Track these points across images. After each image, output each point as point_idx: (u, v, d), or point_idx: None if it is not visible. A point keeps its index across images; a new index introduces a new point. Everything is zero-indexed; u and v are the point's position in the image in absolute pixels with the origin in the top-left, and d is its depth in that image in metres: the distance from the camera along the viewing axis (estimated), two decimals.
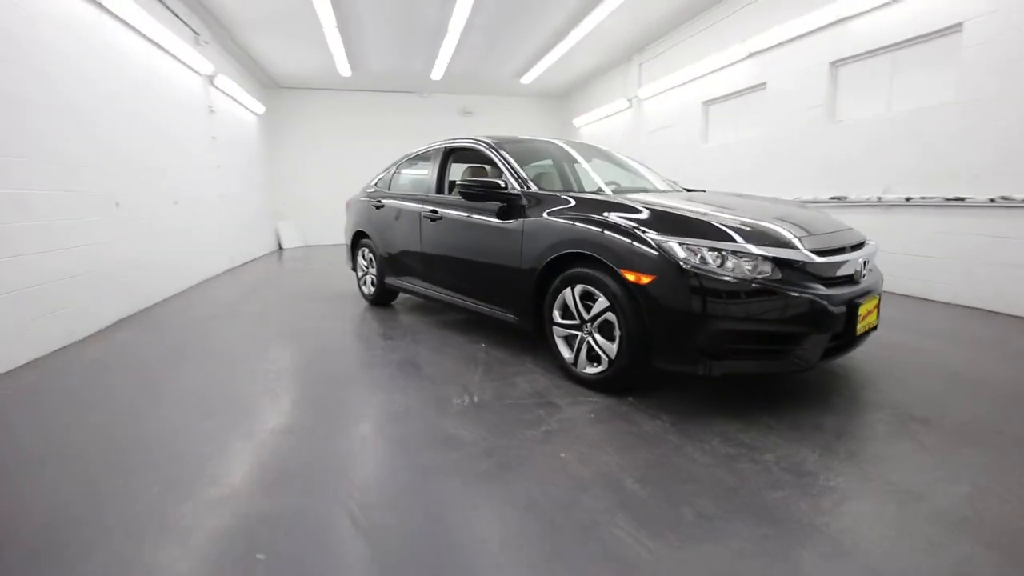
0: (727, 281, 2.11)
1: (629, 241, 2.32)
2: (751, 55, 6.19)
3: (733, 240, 2.19)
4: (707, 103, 7.20)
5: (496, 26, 7.48)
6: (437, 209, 3.65)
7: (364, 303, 4.88)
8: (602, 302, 2.43)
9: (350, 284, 5.89)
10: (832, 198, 5.17)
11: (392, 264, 4.34)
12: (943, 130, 4.22)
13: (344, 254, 5.40)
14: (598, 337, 2.49)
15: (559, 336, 2.73)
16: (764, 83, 6.09)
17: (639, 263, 2.26)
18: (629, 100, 9.25)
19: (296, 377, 2.96)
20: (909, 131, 4.48)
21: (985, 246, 3.97)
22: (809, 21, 5.31)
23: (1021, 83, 3.70)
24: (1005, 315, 3.85)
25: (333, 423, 2.29)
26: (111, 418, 2.40)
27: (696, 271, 2.14)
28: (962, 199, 4.06)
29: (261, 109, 9.72)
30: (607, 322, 2.44)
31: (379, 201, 4.49)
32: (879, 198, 4.72)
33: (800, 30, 5.44)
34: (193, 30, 6.43)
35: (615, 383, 2.47)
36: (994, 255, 3.91)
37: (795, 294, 2.12)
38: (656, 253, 2.22)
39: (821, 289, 2.19)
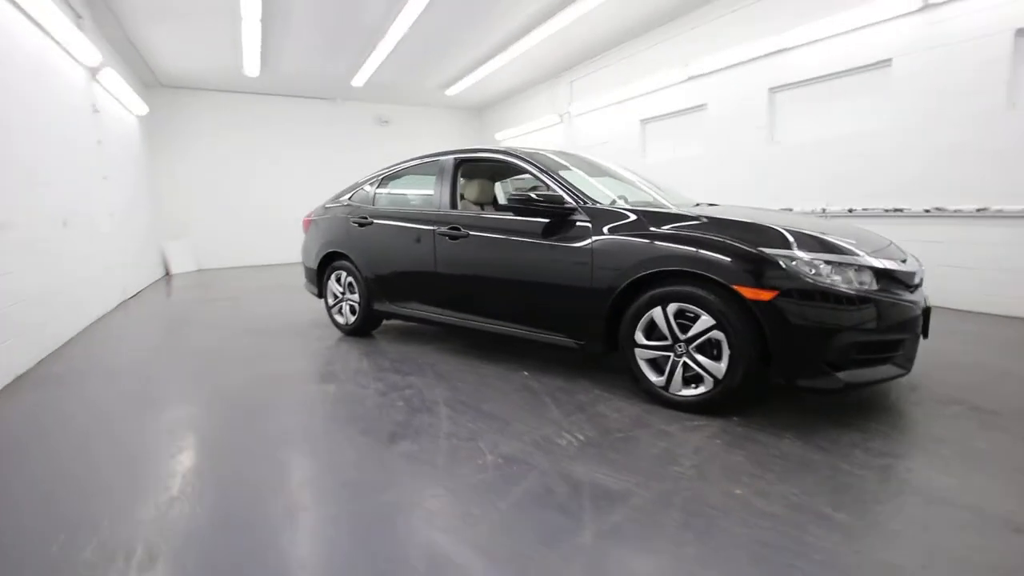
0: (848, 292, 2.14)
1: (743, 257, 2.26)
2: (691, 78, 6.65)
3: (845, 252, 2.23)
4: (645, 121, 7.59)
5: (439, 36, 7.19)
6: (460, 226, 3.30)
7: (334, 334, 4.26)
8: (705, 320, 2.33)
9: (302, 314, 5.15)
10: (779, 210, 5.70)
11: (385, 288, 3.85)
12: (878, 151, 4.86)
13: (296, 280, 4.71)
14: (699, 357, 2.39)
15: (643, 359, 2.57)
16: (704, 104, 6.57)
17: (758, 279, 2.20)
18: (560, 116, 9.45)
19: (329, 466, 2.43)
20: (849, 151, 5.10)
21: (920, 250, 4.61)
22: (749, 50, 5.84)
23: (942, 111, 4.40)
24: (942, 308, 4.51)
25: (446, 508, 1.88)
26: None
27: (821, 284, 2.14)
28: (900, 210, 4.71)
29: (144, 110, 8.23)
30: (709, 341, 2.35)
31: (364, 218, 3.96)
32: (823, 210, 5.30)
33: (740, 58, 5.96)
34: (75, 11, 5.22)
35: (720, 404, 2.38)
36: (929, 257, 4.56)
37: (898, 301, 2.22)
38: (780, 268, 2.18)
39: (910, 295, 2.33)
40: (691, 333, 2.39)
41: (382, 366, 3.38)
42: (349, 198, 4.30)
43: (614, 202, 2.92)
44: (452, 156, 3.59)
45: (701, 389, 2.41)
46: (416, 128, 11.80)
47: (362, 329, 4.13)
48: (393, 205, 3.99)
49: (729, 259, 2.28)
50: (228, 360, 3.62)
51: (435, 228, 3.43)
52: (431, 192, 3.64)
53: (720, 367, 2.32)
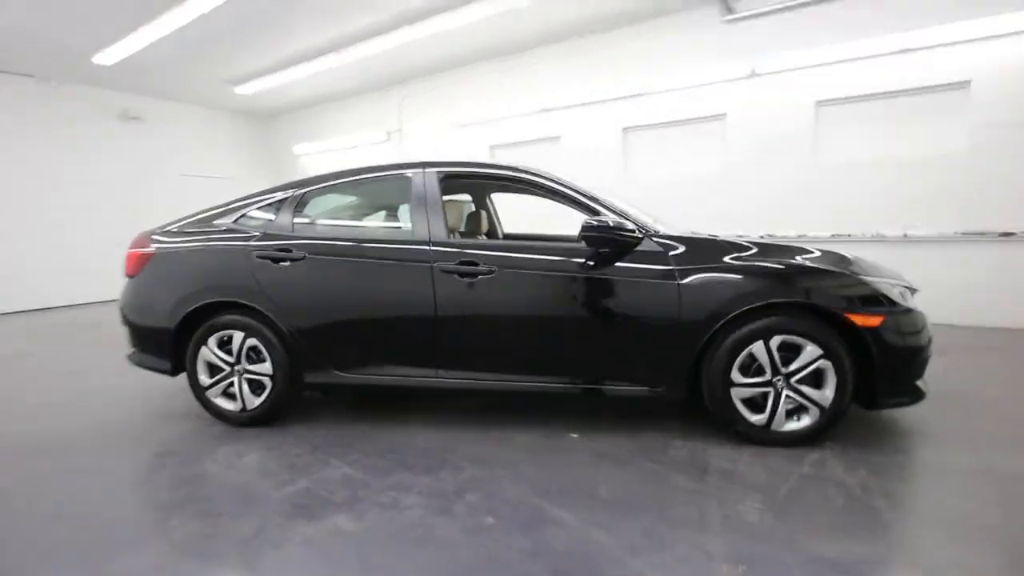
0: (921, 314, 2.38)
1: (852, 285, 2.29)
2: (544, 110, 6.89)
3: (902, 278, 2.48)
4: (494, 147, 7.53)
5: (247, 17, 5.68)
6: (477, 261, 2.51)
7: (209, 434, 2.76)
8: (812, 351, 2.28)
9: (127, 392, 3.26)
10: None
11: (331, 351, 2.69)
12: (714, 188, 5.86)
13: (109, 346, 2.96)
14: (805, 388, 2.32)
15: (739, 398, 2.37)
16: (558, 136, 6.88)
17: (867, 306, 2.26)
18: (389, 133, 8.63)
19: None
20: (690, 187, 5.99)
21: None
22: (605, 91, 6.37)
23: (761, 156, 5.56)
24: None
25: None
26: None
27: (907, 307, 2.31)
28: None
29: None
30: (814, 371, 2.30)
31: (283, 250, 2.70)
32: None
33: (596, 97, 6.45)
34: None
35: (823, 433, 2.35)
36: None
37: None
38: (882, 294, 2.28)
39: None
40: (796, 365, 2.31)
41: (383, 469, 2.29)
42: (234, 221, 2.90)
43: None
44: (434, 170, 2.75)
45: (807, 421, 2.34)
46: (180, 132, 9.17)
47: (269, 414, 2.79)
48: (337, 233, 2.85)
49: (841, 288, 2.29)
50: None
51: (431, 264, 2.55)
52: (401, 217, 2.72)
53: (827, 395, 2.30)
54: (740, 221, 5.56)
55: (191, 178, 9.25)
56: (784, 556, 1.62)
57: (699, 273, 2.37)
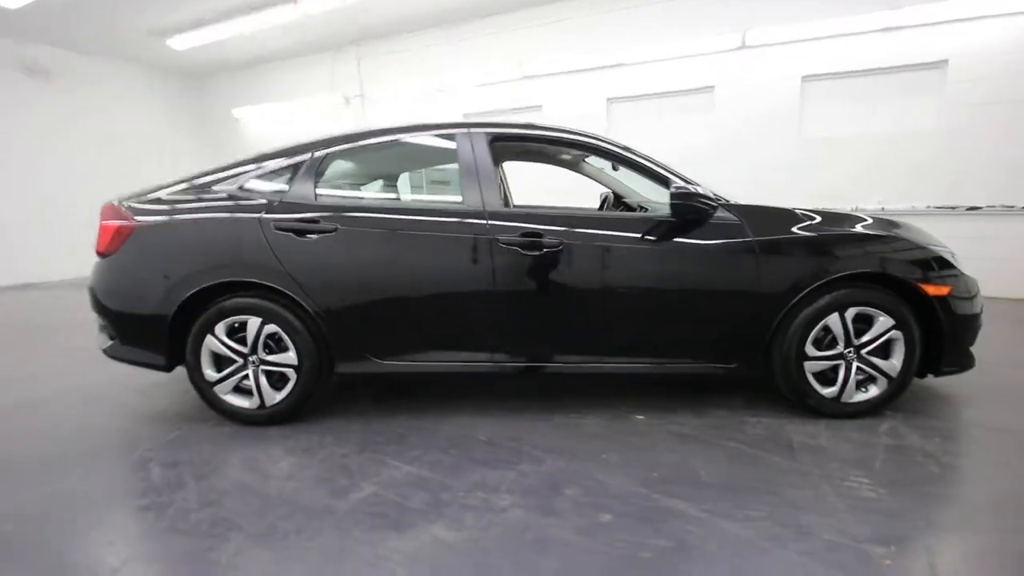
0: (974, 280, 2.42)
1: (924, 255, 2.29)
2: (526, 77, 6.58)
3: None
4: (469, 115, 7.12)
5: None
6: (542, 233, 2.27)
7: (214, 437, 2.38)
8: (884, 322, 2.26)
9: (98, 393, 2.75)
10: None
11: (371, 335, 2.37)
12: (701, 161, 5.87)
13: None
14: (876, 360, 2.31)
15: (812, 372, 2.33)
16: (540, 105, 6.62)
17: (939, 275, 2.26)
18: (347, 98, 7.95)
19: None
20: (682, 160, 5.95)
21: None
22: (587, 60, 6.16)
23: (748, 129, 5.61)
24: None
25: None
26: None
27: (965, 275, 2.35)
28: None
29: None
30: (884, 342, 2.30)
31: (310, 221, 2.31)
32: None
33: (578, 66, 6.23)
34: None
35: (888, 403, 2.37)
36: None
37: None
38: (949, 264, 2.29)
39: None
40: (869, 336, 2.29)
41: (453, 465, 2.03)
42: (239, 188, 2.45)
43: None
44: (481, 131, 2.45)
45: (874, 391, 2.34)
46: (98, 91, 7.96)
47: (292, 410, 2.44)
48: (373, 201, 2.50)
49: (912, 257, 2.28)
50: None
51: (490, 237, 2.28)
52: (444, 183, 2.42)
53: (895, 365, 2.31)
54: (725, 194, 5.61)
55: (114, 143, 8.09)
56: (924, 535, 1.58)
57: (776, 244, 2.28)
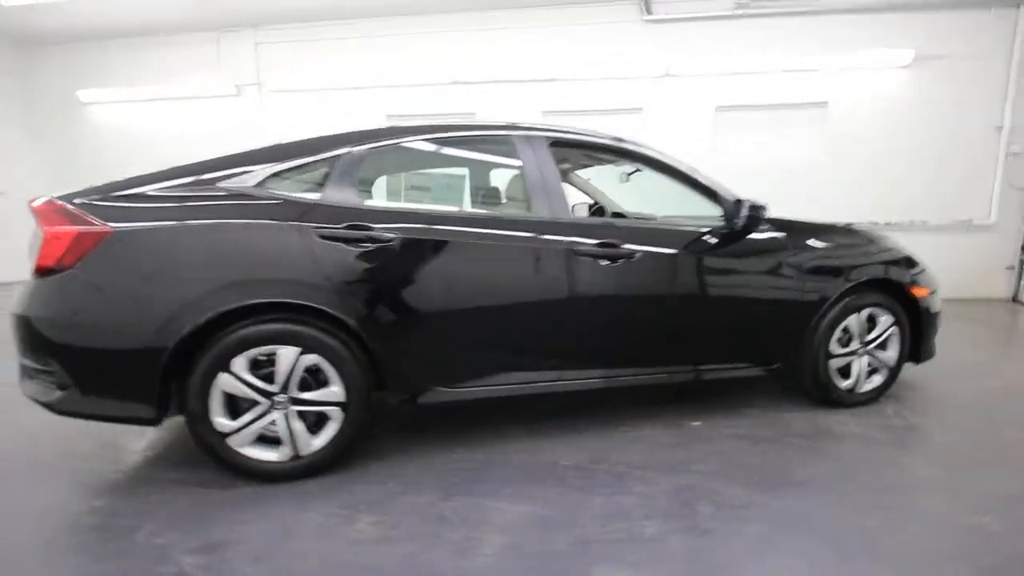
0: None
1: (912, 263, 2.69)
2: (456, 83, 6.38)
3: None
4: (392, 116, 6.67)
5: None
6: (617, 242, 2.17)
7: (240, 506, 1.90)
8: (886, 320, 2.63)
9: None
10: None
11: (435, 360, 2.06)
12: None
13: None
14: (878, 353, 2.66)
15: (834, 368, 2.60)
16: (474, 112, 6.47)
17: (920, 280, 2.68)
18: (239, 87, 6.90)
19: None
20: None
21: None
22: (522, 71, 6.20)
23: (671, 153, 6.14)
24: None
25: None
26: None
27: (931, 277, 2.83)
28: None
29: None
30: (883, 339, 2.66)
31: (361, 228, 1.92)
32: None
33: (513, 76, 6.24)
34: None
35: (887, 389, 2.74)
36: None
37: None
38: (922, 269, 2.73)
39: None
40: (875, 333, 2.64)
41: (563, 498, 1.82)
42: (256, 185, 1.94)
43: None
44: (541, 134, 2.29)
45: (877, 380, 2.70)
46: None
47: (333, 458, 2.00)
48: (430, 206, 2.19)
49: (909, 266, 2.68)
50: None
51: (565, 247, 2.12)
52: (501, 188, 2.22)
53: (892, 357, 2.69)
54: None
55: None
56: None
57: (813, 254, 2.51)
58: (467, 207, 2.41)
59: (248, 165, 1.98)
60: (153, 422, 1.85)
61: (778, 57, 5.69)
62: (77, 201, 1.84)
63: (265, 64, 6.84)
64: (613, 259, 2.19)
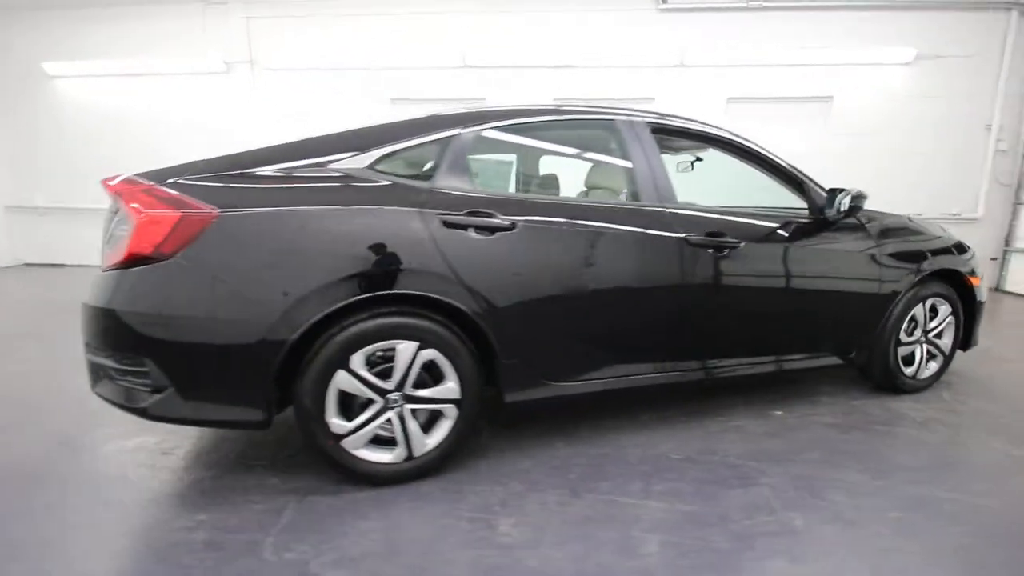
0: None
1: (962, 247, 2.81)
2: (467, 66, 6.19)
3: None
4: (396, 100, 6.42)
5: None
6: (725, 231, 2.15)
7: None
8: (946, 309, 2.73)
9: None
10: None
11: (548, 353, 1.97)
12: None
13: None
14: (937, 340, 2.76)
15: (901, 356, 2.68)
16: (484, 98, 6.29)
17: (974, 270, 2.79)
18: (229, 64, 6.45)
19: None
20: None
21: None
22: (536, 56, 6.08)
23: None
24: None
25: None
26: None
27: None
28: None
29: None
30: (942, 327, 2.77)
31: (482, 214, 1.81)
32: None
33: (526, 62, 6.11)
34: None
35: (943, 374, 2.85)
36: None
37: None
38: (972, 259, 2.84)
39: None
40: (936, 322, 2.73)
41: (713, 496, 1.79)
42: (370, 166, 1.80)
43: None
44: (643, 120, 2.23)
45: (934, 367, 2.80)
46: None
47: (444, 458, 1.89)
48: (544, 192, 2.09)
49: (962, 253, 2.78)
50: None
51: (679, 236, 2.08)
52: (615, 175, 2.15)
53: (947, 344, 2.80)
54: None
55: None
56: None
57: (893, 247, 2.56)
58: (577, 194, 2.32)
59: (358, 145, 1.83)
60: (262, 425, 1.69)
61: (787, 51, 5.80)
62: (171, 181, 1.65)
63: (258, 40, 6.42)
64: (719, 249, 2.16)
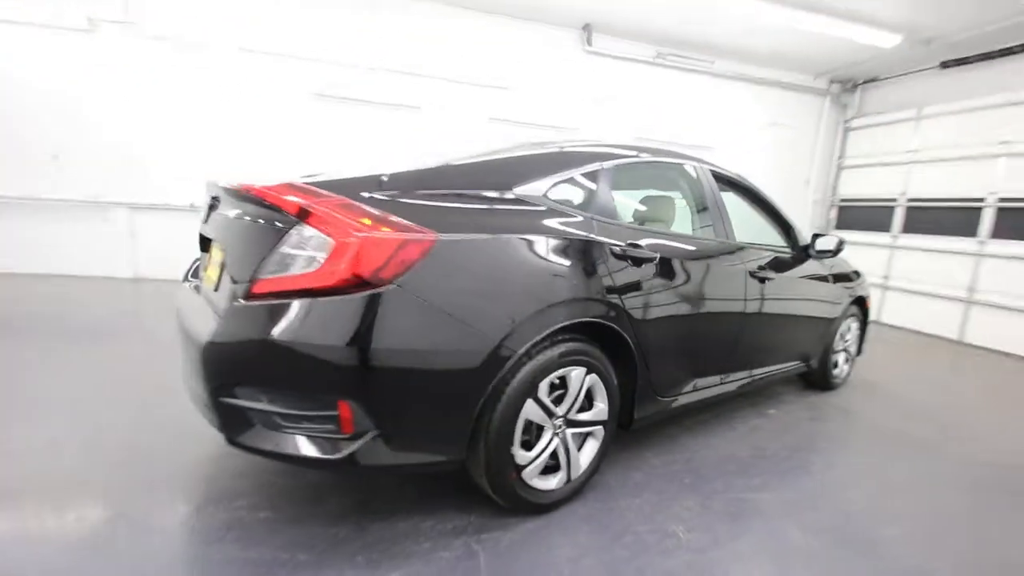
0: None
1: (859, 274, 3.76)
2: (401, 72, 5.94)
3: None
4: (319, 95, 5.84)
5: None
6: (764, 266, 2.61)
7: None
8: (856, 324, 3.66)
9: None
10: None
11: (664, 372, 2.18)
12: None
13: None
14: (851, 349, 3.67)
15: (832, 361, 3.50)
16: (419, 106, 6.11)
17: (868, 294, 3.78)
18: (92, 20, 5.14)
19: None
20: None
21: None
22: (475, 74, 6.14)
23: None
24: None
25: None
26: None
27: None
28: None
29: None
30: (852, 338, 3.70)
31: (636, 246, 1.94)
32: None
33: (463, 78, 6.12)
34: None
35: (850, 374, 3.78)
36: None
37: None
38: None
39: None
40: (852, 333, 3.64)
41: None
42: (545, 194, 1.79)
43: None
44: (707, 167, 2.58)
45: (846, 368, 3.70)
46: None
47: (590, 477, 1.99)
48: (655, 227, 2.28)
49: (865, 283, 3.74)
50: None
51: (743, 267, 2.47)
52: (699, 212, 2.47)
53: (855, 348, 3.74)
54: None
55: None
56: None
57: (839, 277, 3.35)
58: (678, 229, 2.54)
59: (534, 172, 1.83)
60: (460, 464, 1.58)
61: (683, 104, 6.90)
62: (367, 196, 1.47)
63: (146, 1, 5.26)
64: (762, 279, 2.63)
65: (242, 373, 1.40)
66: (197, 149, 5.60)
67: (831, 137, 7.67)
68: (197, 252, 2.32)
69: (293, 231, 1.41)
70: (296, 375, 1.38)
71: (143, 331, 3.81)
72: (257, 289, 1.42)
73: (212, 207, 1.81)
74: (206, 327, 1.51)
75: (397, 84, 6.03)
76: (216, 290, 1.71)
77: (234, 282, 1.51)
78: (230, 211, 1.66)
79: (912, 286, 6.33)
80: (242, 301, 1.43)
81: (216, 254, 1.82)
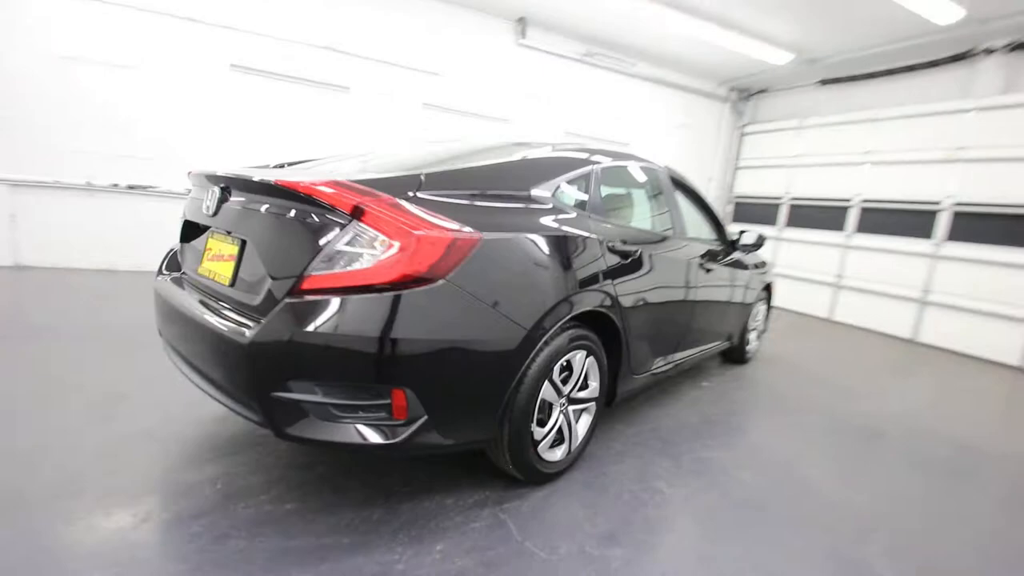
0: None
1: (766, 264, 4.38)
2: (329, 48, 5.65)
3: None
4: (237, 67, 5.37)
5: None
6: (707, 257, 3.00)
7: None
8: (763, 306, 4.29)
9: None
10: None
11: (640, 352, 2.47)
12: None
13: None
14: (760, 327, 4.30)
15: (747, 338, 4.09)
16: (348, 87, 5.86)
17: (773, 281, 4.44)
18: None
19: None
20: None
21: None
22: (407, 58, 6.01)
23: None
24: None
25: None
26: None
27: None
28: None
29: None
30: (760, 318, 4.33)
31: (625, 242, 2.20)
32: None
33: (395, 60, 5.98)
34: None
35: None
36: None
37: None
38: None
39: None
40: (761, 315, 4.26)
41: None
42: (553, 194, 1.95)
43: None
44: (666, 169, 2.89)
45: (757, 344, 4.35)
46: None
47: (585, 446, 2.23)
48: (631, 224, 2.56)
49: (771, 271, 4.37)
50: None
51: (690, 257, 2.85)
52: (660, 209, 2.78)
53: (762, 330, 4.39)
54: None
55: None
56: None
57: (755, 265, 3.90)
58: (646, 226, 2.78)
59: (547, 174, 1.99)
60: (489, 443, 1.72)
61: (607, 102, 7.34)
62: (411, 195, 1.55)
63: None
64: (707, 270, 3.03)
65: (296, 368, 1.42)
66: (98, 118, 4.93)
67: (729, 140, 8.63)
68: (169, 241, 2.19)
69: (348, 229, 1.45)
70: (354, 366, 1.43)
71: (48, 330, 3.35)
72: (307, 285, 1.43)
73: (223, 199, 1.74)
74: (228, 325, 1.51)
75: (323, 62, 5.74)
76: (231, 285, 1.67)
77: (273, 278, 1.50)
78: (256, 204, 1.62)
79: (793, 272, 7.41)
80: (291, 298, 1.43)
81: (222, 247, 1.76)
